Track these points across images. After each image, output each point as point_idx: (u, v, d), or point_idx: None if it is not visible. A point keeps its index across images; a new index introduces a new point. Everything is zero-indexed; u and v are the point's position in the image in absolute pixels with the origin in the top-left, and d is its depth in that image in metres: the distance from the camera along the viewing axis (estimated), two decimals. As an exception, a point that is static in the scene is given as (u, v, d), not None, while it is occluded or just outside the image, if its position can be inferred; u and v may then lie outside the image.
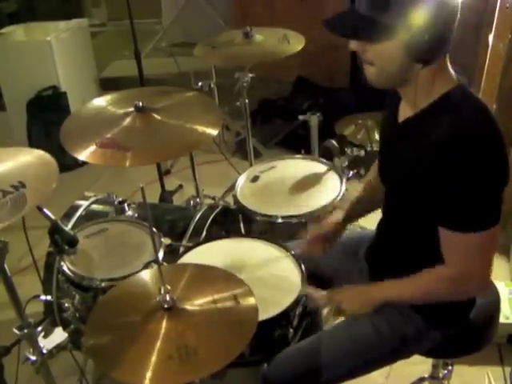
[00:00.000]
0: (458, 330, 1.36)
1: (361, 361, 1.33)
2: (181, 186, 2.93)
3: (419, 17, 1.05)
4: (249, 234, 1.71)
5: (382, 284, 1.32)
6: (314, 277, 1.51)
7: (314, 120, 2.29)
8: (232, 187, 1.98)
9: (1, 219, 1.04)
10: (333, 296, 1.38)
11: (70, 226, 1.80)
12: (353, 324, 1.38)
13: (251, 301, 1.18)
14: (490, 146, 1.11)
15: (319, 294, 1.39)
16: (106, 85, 4.13)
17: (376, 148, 2.22)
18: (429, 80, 1.16)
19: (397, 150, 1.27)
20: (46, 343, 1.23)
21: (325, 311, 1.66)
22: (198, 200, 2.27)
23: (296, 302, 1.35)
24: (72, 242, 1.38)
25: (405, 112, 1.26)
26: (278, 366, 1.31)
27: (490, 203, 1.13)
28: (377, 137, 2.30)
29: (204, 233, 1.78)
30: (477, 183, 1.10)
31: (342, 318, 1.44)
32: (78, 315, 1.61)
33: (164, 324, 1.11)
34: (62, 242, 1.35)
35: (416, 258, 1.30)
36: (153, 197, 2.64)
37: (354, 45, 1.14)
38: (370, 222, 1.59)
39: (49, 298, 1.53)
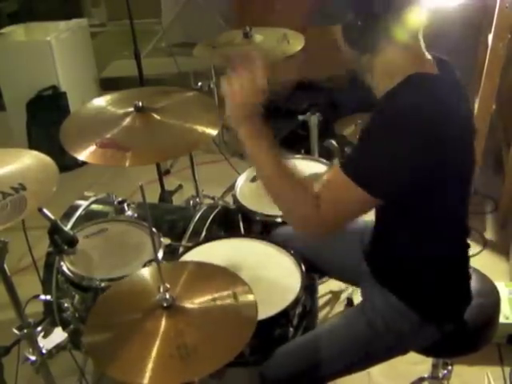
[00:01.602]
0: (458, 329, 1.36)
1: (357, 357, 1.33)
2: (180, 186, 2.93)
3: (349, 8, 1.13)
4: (249, 234, 1.71)
5: (263, 139, 1.28)
6: (317, 267, 1.52)
7: (313, 120, 2.29)
8: (232, 187, 1.98)
9: (0, 221, 1.04)
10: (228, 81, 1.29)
11: (69, 226, 1.79)
12: (349, 320, 1.38)
13: (251, 300, 1.18)
14: (409, 124, 1.10)
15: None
16: (106, 85, 4.13)
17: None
18: (388, 69, 1.18)
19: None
20: (46, 343, 1.23)
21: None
22: (197, 200, 2.27)
23: (296, 302, 1.36)
24: (72, 242, 1.38)
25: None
26: (274, 362, 1.31)
27: (376, 168, 1.12)
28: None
29: (204, 233, 1.78)
30: (378, 140, 1.12)
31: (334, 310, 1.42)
32: (77, 315, 1.61)
33: (163, 322, 1.11)
34: (62, 242, 1.36)
35: (411, 255, 1.30)
36: (152, 197, 2.63)
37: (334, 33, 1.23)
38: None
39: (48, 297, 1.54)
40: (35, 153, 1.28)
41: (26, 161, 1.24)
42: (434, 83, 1.16)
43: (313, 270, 1.54)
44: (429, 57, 1.19)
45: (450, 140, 1.13)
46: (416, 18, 1.14)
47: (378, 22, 1.12)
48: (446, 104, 1.14)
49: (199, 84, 2.34)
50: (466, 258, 1.36)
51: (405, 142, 1.10)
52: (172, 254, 1.62)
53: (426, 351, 1.42)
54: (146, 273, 1.31)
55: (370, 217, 1.36)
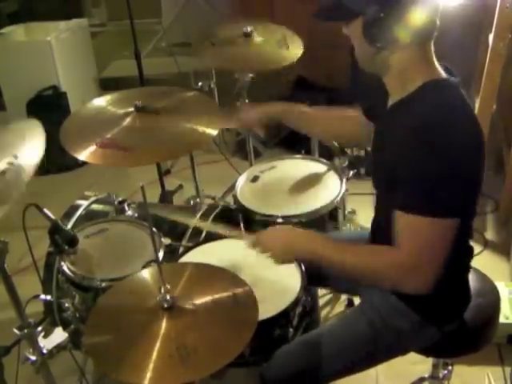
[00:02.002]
0: (458, 329, 1.36)
1: (357, 357, 1.34)
2: (181, 186, 2.93)
3: (373, 2, 1.13)
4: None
5: (325, 239, 1.29)
6: (314, 275, 1.51)
7: (314, 120, 2.28)
8: (232, 187, 1.98)
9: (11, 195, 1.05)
10: (256, 237, 1.36)
11: (69, 225, 1.79)
12: (349, 320, 1.39)
13: (251, 300, 1.18)
14: (460, 144, 1.12)
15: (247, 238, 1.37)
16: (106, 85, 4.13)
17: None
18: (404, 69, 1.19)
19: (381, 138, 1.31)
20: (46, 343, 1.23)
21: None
22: (198, 200, 2.27)
23: (296, 302, 1.35)
24: (72, 242, 1.38)
25: (391, 101, 1.29)
26: (275, 362, 1.31)
27: (450, 195, 1.13)
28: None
29: (204, 233, 1.78)
30: (438, 173, 1.11)
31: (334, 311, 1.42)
32: (77, 315, 1.61)
33: (164, 323, 1.11)
34: (62, 242, 1.35)
35: None
36: (153, 197, 2.64)
37: (344, 29, 1.23)
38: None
39: (49, 297, 1.53)
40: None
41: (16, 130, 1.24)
42: (452, 90, 1.19)
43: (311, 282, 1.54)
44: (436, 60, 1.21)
45: (480, 144, 1.16)
46: (434, 18, 1.15)
47: (400, 16, 1.12)
48: (469, 109, 1.17)
49: (199, 84, 2.33)
50: (467, 259, 1.36)
51: (453, 157, 1.12)
52: (172, 253, 1.62)
53: (426, 351, 1.42)
54: (147, 274, 1.31)
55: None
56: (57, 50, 3.43)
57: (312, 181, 1.94)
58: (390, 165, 1.20)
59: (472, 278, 1.38)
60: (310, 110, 1.67)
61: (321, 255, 1.28)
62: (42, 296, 1.53)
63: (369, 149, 2.16)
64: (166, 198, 2.71)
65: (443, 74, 1.20)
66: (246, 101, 2.37)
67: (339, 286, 1.67)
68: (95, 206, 1.94)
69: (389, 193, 1.25)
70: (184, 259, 1.55)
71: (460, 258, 1.33)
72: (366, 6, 1.13)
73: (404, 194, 1.16)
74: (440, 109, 1.15)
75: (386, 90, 1.30)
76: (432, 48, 1.20)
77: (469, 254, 1.36)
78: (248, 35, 2.18)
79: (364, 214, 1.56)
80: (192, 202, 2.24)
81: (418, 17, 1.12)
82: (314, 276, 1.48)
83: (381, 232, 1.43)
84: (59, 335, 1.25)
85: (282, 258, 1.36)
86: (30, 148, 1.18)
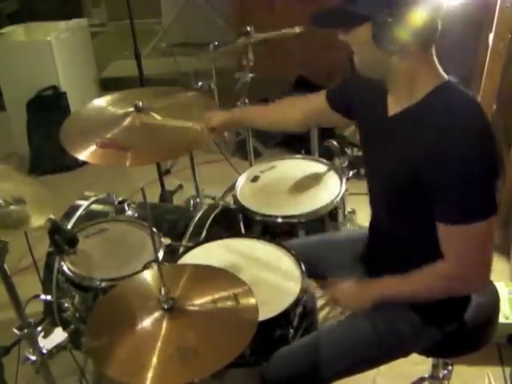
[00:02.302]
0: (458, 329, 1.36)
1: (359, 358, 1.33)
2: (181, 186, 2.93)
3: (382, 6, 1.10)
4: (249, 234, 1.71)
5: (381, 280, 1.32)
6: (313, 276, 1.51)
7: (314, 120, 2.28)
8: (232, 187, 1.98)
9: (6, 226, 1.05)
10: (331, 293, 1.39)
11: (70, 226, 1.80)
12: (350, 322, 1.38)
13: (251, 301, 1.18)
14: (479, 138, 1.12)
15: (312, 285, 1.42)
16: (106, 85, 4.13)
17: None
18: (413, 73, 1.18)
19: (388, 145, 1.28)
20: (46, 343, 1.23)
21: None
22: (197, 200, 2.27)
23: (296, 303, 1.35)
24: (72, 242, 1.38)
25: (393, 107, 1.27)
26: (275, 363, 1.31)
27: (484, 194, 1.14)
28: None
29: (204, 233, 1.78)
30: (469, 178, 1.12)
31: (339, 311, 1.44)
32: (77, 315, 1.61)
33: (164, 324, 1.11)
34: (62, 242, 1.35)
35: (410, 255, 1.30)
36: (153, 197, 2.63)
37: (341, 36, 1.20)
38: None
39: (49, 297, 1.53)
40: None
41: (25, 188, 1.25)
42: (461, 90, 1.18)
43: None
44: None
45: (495, 140, 1.17)
46: (437, 19, 1.15)
47: (409, 19, 1.10)
48: (480, 106, 1.17)
49: (199, 84, 2.33)
50: None
51: (486, 157, 1.13)
52: (172, 254, 1.62)
53: (426, 351, 1.42)
54: (147, 275, 1.31)
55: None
56: (57, 50, 3.43)
57: (312, 181, 1.94)
58: (410, 174, 1.19)
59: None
60: (255, 108, 1.76)
61: (386, 297, 1.32)
62: (42, 296, 1.52)
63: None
64: (166, 197, 2.71)
65: (445, 75, 1.20)
66: (246, 101, 2.38)
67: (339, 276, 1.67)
68: (95, 206, 1.94)
69: (401, 197, 1.25)
70: (184, 259, 1.55)
71: None
72: (376, 11, 1.10)
73: (445, 206, 1.16)
74: (461, 111, 1.14)
75: (381, 91, 1.28)
76: (433, 50, 1.20)
77: None
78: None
79: (364, 214, 1.56)
80: (192, 202, 2.24)
81: (425, 19, 1.11)
82: (313, 269, 1.48)
83: (380, 232, 1.43)
84: (59, 335, 1.25)
85: (356, 311, 1.40)
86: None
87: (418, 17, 1.11)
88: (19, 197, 1.14)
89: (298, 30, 2.24)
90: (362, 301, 1.35)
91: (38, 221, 1.14)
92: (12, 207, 1.12)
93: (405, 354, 1.39)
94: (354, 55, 1.23)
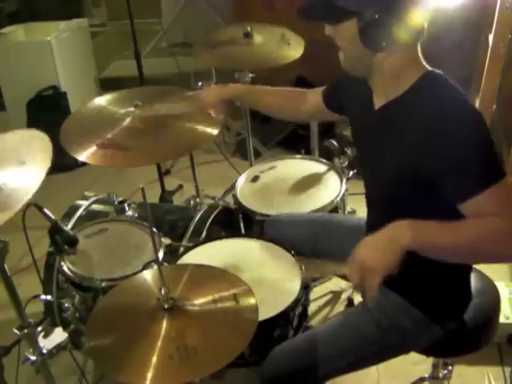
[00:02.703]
0: (458, 328, 1.36)
1: (360, 355, 1.33)
2: (181, 186, 2.93)
3: (370, 3, 1.10)
4: (249, 234, 1.71)
5: (413, 222, 1.11)
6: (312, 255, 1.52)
7: (314, 120, 2.29)
8: (232, 187, 1.98)
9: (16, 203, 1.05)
10: (354, 261, 1.15)
11: (70, 226, 1.80)
12: (352, 318, 1.38)
13: (251, 301, 1.18)
14: (466, 119, 1.12)
15: (346, 272, 1.19)
16: (106, 85, 4.13)
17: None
18: (398, 70, 1.18)
19: (377, 138, 1.28)
20: (46, 343, 1.23)
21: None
22: (198, 200, 2.27)
23: (296, 302, 1.35)
24: (72, 242, 1.38)
25: (378, 100, 1.27)
26: (275, 360, 1.31)
27: (486, 162, 1.12)
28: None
29: (204, 233, 1.78)
30: (467, 155, 1.10)
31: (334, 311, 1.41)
32: (77, 315, 1.61)
33: (164, 324, 1.11)
34: (62, 242, 1.35)
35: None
36: (153, 197, 2.63)
37: (327, 30, 1.20)
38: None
39: (49, 297, 1.53)
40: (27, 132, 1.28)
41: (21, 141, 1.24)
42: (444, 79, 1.18)
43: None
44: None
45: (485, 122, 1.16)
46: (425, 18, 1.14)
47: (397, 17, 1.10)
48: (464, 95, 1.17)
49: (199, 84, 2.33)
50: None
51: (478, 130, 1.12)
52: (172, 254, 1.62)
53: (426, 351, 1.42)
54: (147, 275, 1.31)
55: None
56: (57, 50, 3.43)
57: (312, 181, 1.94)
58: (400, 164, 1.18)
59: (472, 278, 1.38)
60: (258, 88, 1.73)
61: (432, 242, 1.12)
62: (42, 296, 1.53)
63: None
64: (165, 198, 2.71)
65: (428, 67, 1.20)
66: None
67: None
68: (95, 206, 1.94)
69: (394, 190, 1.24)
70: (184, 259, 1.55)
71: None
72: (363, 7, 1.10)
73: (457, 186, 1.11)
74: (447, 97, 1.15)
75: (367, 88, 1.28)
76: (419, 46, 1.19)
77: None
78: (248, 35, 2.18)
79: (364, 214, 1.56)
80: (192, 202, 2.25)
81: (413, 16, 1.11)
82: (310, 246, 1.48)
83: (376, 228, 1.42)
84: (59, 335, 1.25)
85: (388, 266, 1.11)
86: (39, 156, 1.17)
87: (405, 15, 1.10)
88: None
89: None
90: (390, 250, 1.11)
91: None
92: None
93: (406, 351, 1.38)
94: (339, 53, 1.23)
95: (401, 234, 1.11)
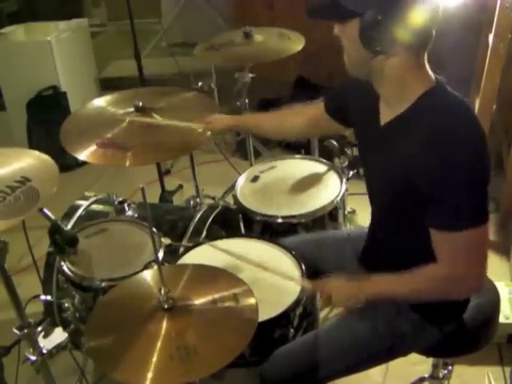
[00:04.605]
0: (458, 329, 1.36)
1: (358, 358, 1.33)
2: (181, 186, 2.93)
3: (373, 5, 1.09)
4: (249, 235, 1.71)
5: (374, 279, 1.29)
6: (313, 275, 1.51)
7: (314, 120, 2.28)
8: (232, 187, 1.98)
9: (20, 211, 1.05)
10: (321, 286, 1.36)
11: (69, 226, 1.80)
12: (350, 321, 1.38)
13: (251, 301, 1.18)
14: (471, 147, 1.12)
15: (308, 285, 1.38)
16: (106, 85, 4.13)
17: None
18: (401, 77, 1.17)
19: (381, 153, 1.28)
20: (46, 343, 1.23)
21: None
22: (197, 200, 2.27)
23: (296, 303, 1.35)
24: (72, 242, 1.38)
25: (385, 113, 1.26)
26: (275, 362, 1.31)
27: (475, 202, 1.13)
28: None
29: (204, 233, 1.78)
30: (459, 184, 1.11)
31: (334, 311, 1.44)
32: (77, 315, 1.61)
33: (164, 324, 1.11)
34: (62, 242, 1.35)
35: (408, 258, 1.30)
36: (153, 197, 2.63)
37: (336, 30, 1.20)
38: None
39: (49, 298, 1.54)
40: (34, 152, 1.28)
41: (26, 160, 1.24)
42: (450, 93, 1.18)
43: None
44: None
45: (486, 142, 1.15)
46: (430, 24, 1.13)
47: (399, 20, 1.09)
48: (470, 109, 1.16)
49: (199, 84, 2.34)
50: None
51: (474, 165, 1.12)
52: (172, 254, 1.62)
53: (426, 351, 1.42)
54: (147, 275, 1.31)
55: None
56: (57, 49, 3.43)
57: (312, 181, 1.94)
58: (402, 178, 1.18)
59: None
60: (258, 114, 1.78)
61: (377, 295, 1.30)
62: (42, 296, 1.53)
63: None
64: (165, 198, 2.71)
65: (433, 77, 1.19)
66: (246, 101, 2.38)
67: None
68: (95, 207, 1.94)
69: (398, 202, 1.25)
70: (184, 259, 1.55)
71: None
72: (366, 7, 1.09)
73: (436, 212, 1.15)
74: (450, 118, 1.13)
75: (374, 97, 1.27)
76: (425, 54, 1.18)
77: None
78: (248, 35, 2.19)
79: (364, 214, 1.56)
80: (192, 202, 2.24)
81: (416, 21, 1.10)
82: (312, 269, 1.48)
83: (379, 236, 1.42)
84: (59, 335, 1.25)
85: (349, 307, 1.39)
86: (44, 175, 1.17)
87: (405, 19, 1.09)
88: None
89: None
90: (354, 297, 1.32)
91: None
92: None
93: (404, 353, 1.39)
94: (344, 53, 1.22)
95: (363, 291, 1.29)
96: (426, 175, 1.13)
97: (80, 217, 1.87)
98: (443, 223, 1.15)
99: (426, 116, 1.15)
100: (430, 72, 1.19)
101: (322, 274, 1.49)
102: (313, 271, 1.48)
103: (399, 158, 1.19)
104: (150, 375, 1.02)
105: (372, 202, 1.41)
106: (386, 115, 1.25)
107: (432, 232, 1.18)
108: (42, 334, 1.23)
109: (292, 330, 1.36)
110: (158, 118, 1.64)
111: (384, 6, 1.09)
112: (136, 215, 1.83)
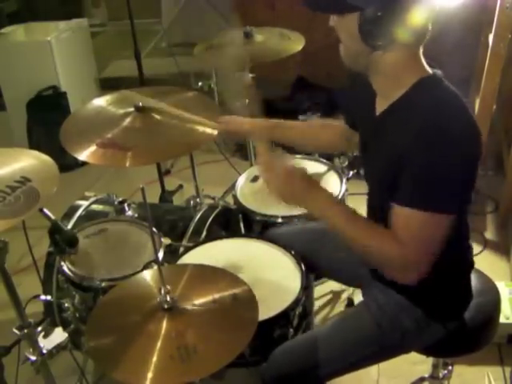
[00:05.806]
0: (458, 328, 1.36)
1: (361, 355, 1.33)
2: (181, 186, 2.93)
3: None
4: (249, 234, 1.71)
5: (330, 197, 1.28)
6: (314, 269, 1.51)
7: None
8: (232, 187, 1.98)
9: (20, 211, 1.04)
10: (268, 162, 1.35)
11: (69, 226, 1.79)
12: (353, 318, 1.38)
13: (251, 301, 1.18)
14: (463, 133, 1.12)
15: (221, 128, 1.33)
16: (106, 85, 4.13)
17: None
18: (396, 71, 1.18)
19: (378, 144, 1.28)
20: (46, 343, 1.23)
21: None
22: (198, 200, 2.27)
23: (296, 302, 1.35)
24: (72, 242, 1.38)
25: (380, 105, 1.27)
26: (276, 361, 1.31)
27: (449, 190, 1.13)
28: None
29: (204, 233, 1.78)
30: (443, 166, 1.10)
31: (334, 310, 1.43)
32: (77, 315, 1.61)
33: (164, 324, 1.11)
34: (62, 242, 1.35)
35: None
36: (153, 197, 2.63)
37: (331, 21, 1.20)
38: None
39: (49, 298, 1.54)
40: (34, 152, 1.28)
41: (26, 160, 1.24)
42: (443, 86, 1.18)
43: (311, 271, 1.54)
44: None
45: (479, 133, 1.15)
46: (427, 20, 1.14)
47: (399, 16, 1.09)
48: (462, 103, 1.16)
49: (199, 84, 2.33)
50: (468, 256, 1.37)
51: (455, 153, 1.11)
52: (172, 254, 1.62)
53: (426, 351, 1.42)
54: (147, 275, 1.31)
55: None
56: (57, 49, 3.43)
57: (312, 181, 1.93)
58: (392, 166, 1.18)
59: (472, 278, 1.38)
60: (287, 122, 1.66)
61: (326, 217, 1.27)
62: (42, 296, 1.53)
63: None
64: (165, 198, 2.71)
65: (430, 70, 1.20)
66: (246, 101, 2.38)
67: (340, 278, 1.66)
68: (95, 207, 1.94)
69: (387, 191, 1.23)
70: (184, 259, 1.55)
71: (461, 254, 1.35)
72: (367, 2, 1.10)
73: (405, 190, 1.15)
74: (440, 109, 1.14)
75: (371, 92, 1.28)
76: (421, 47, 1.19)
77: (469, 250, 1.37)
78: (248, 35, 2.19)
79: (364, 214, 1.56)
80: (192, 202, 2.24)
81: (416, 18, 1.11)
82: (313, 267, 1.47)
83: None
84: (59, 335, 1.25)
85: (284, 198, 1.28)
86: (44, 174, 1.17)
87: (405, 16, 1.10)
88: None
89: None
90: (296, 195, 1.27)
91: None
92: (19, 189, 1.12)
93: (406, 350, 1.38)
94: (340, 45, 1.22)
95: (310, 199, 1.25)
96: (411, 165, 1.13)
97: (80, 217, 1.87)
98: (409, 199, 1.14)
99: (418, 104, 1.15)
100: (426, 65, 1.19)
101: (317, 266, 1.49)
102: (310, 265, 1.48)
103: (391, 144, 1.19)
104: (150, 375, 1.02)
105: (369, 199, 1.42)
106: (381, 106, 1.26)
107: (395, 207, 1.17)
108: (42, 333, 1.23)
109: (291, 330, 1.36)
110: (157, 118, 1.64)
111: (385, 1, 1.09)
112: (136, 215, 1.83)
